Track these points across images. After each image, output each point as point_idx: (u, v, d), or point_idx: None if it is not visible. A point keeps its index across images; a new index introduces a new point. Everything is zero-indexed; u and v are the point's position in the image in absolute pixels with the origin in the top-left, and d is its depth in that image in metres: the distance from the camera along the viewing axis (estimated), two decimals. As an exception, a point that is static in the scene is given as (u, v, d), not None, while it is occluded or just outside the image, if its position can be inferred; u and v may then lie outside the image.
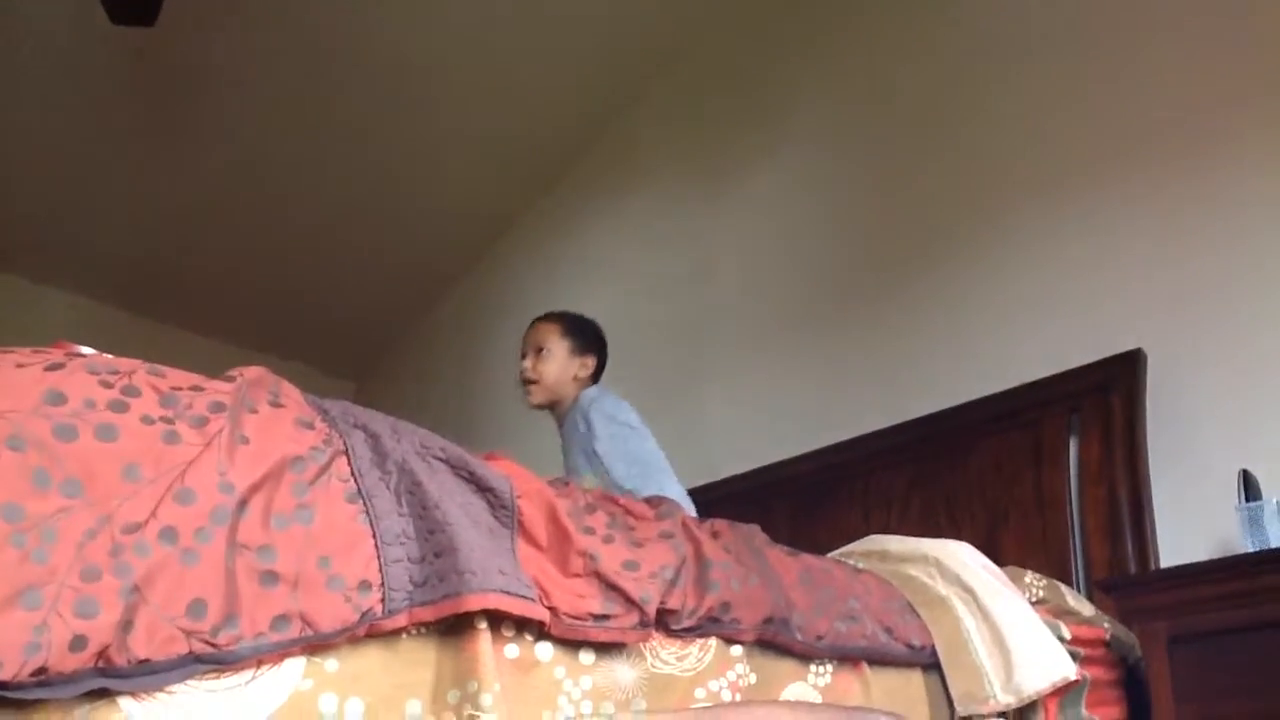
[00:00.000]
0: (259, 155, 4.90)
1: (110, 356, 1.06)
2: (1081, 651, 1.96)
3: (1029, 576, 2.08)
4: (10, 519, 0.84)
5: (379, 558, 1.07)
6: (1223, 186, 2.60)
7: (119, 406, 0.97)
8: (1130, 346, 2.62)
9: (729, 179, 4.18)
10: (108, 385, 0.98)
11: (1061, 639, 1.93)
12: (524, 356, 2.65)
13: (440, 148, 4.97)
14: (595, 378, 2.70)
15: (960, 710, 1.70)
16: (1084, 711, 1.93)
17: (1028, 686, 1.70)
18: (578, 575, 1.25)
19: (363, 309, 6.03)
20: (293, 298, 5.83)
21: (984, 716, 1.72)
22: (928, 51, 3.48)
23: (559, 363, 2.61)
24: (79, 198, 4.94)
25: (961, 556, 2.00)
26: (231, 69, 4.46)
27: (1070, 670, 1.75)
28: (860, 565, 1.96)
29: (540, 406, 2.64)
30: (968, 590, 1.87)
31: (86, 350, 1.07)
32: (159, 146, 4.74)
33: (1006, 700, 1.69)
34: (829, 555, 2.09)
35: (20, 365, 0.95)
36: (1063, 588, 2.12)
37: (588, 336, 2.69)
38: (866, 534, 2.79)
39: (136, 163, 4.80)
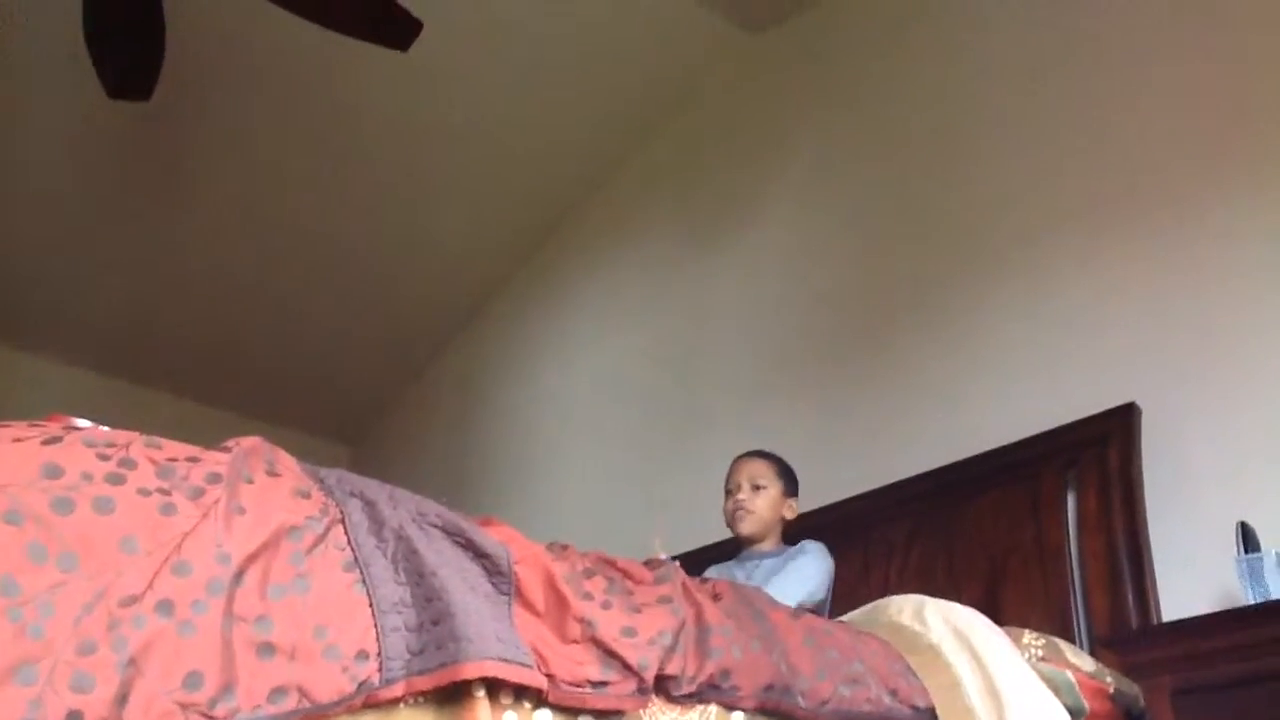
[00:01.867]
0: (252, 223, 4.92)
1: (107, 429, 1.06)
2: (1089, 707, 1.94)
3: (1027, 636, 2.06)
4: (7, 593, 0.84)
5: (376, 626, 1.07)
6: (1215, 239, 2.62)
7: (116, 479, 0.97)
8: (1124, 400, 2.63)
9: (720, 238, 4.21)
10: (105, 458, 0.99)
11: (1068, 684, 1.93)
12: (734, 489, 2.70)
13: (432, 211, 5.00)
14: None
15: None
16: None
17: None
18: (575, 642, 1.24)
19: (357, 373, 6.03)
20: (288, 363, 5.83)
21: None
22: (916, 108, 3.53)
23: (772, 500, 2.69)
24: (72, 267, 4.95)
25: (959, 610, 2.00)
26: (224, 141, 4.51)
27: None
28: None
29: (749, 539, 2.68)
30: (962, 638, 1.87)
31: (83, 423, 1.08)
32: (152, 216, 4.77)
33: None
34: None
35: (17, 440, 0.96)
36: (1061, 644, 2.10)
37: (794, 480, 2.77)
38: (866, 587, 2.78)
39: (129, 232, 4.82)
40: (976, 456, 2.89)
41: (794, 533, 2.79)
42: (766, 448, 2.84)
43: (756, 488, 2.68)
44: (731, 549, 2.82)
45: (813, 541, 2.66)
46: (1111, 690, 2.07)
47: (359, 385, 6.15)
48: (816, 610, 2.49)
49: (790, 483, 2.75)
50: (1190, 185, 2.70)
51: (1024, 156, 3.12)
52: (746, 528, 2.68)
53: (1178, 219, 2.70)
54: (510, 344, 5.35)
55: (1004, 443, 2.84)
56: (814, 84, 4.01)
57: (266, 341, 5.65)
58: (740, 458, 2.78)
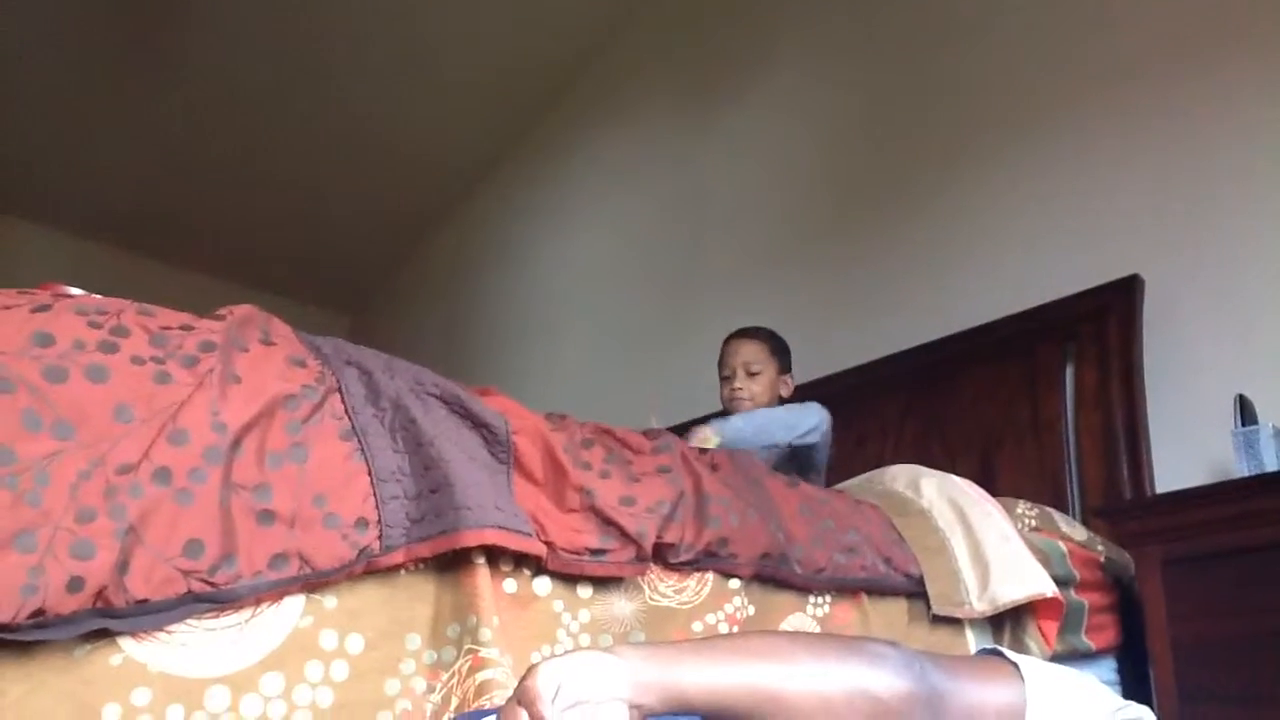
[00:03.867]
0: (250, 90, 4.83)
1: (99, 297, 1.04)
2: (1078, 575, 1.97)
3: (1021, 507, 2.09)
4: (2, 462, 0.84)
5: (375, 495, 1.07)
6: (1219, 111, 2.57)
7: (109, 347, 0.96)
8: (1127, 272, 2.61)
9: (719, 108, 4.14)
10: (96, 326, 0.97)
11: (1059, 553, 1.96)
12: (729, 374, 2.65)
13: (431, 81, 4.90)
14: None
15: (935, 609, 1.71)
16: (1084, 637, 1.95)
17: (1003, 596, 1.72)
18: (574, 510, 1.25)
19: (356, 243, 6.00)
20: (286, 232, 5.79)
21: (959, 621, 1.75)
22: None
23: (768, 382, 2.63)
24: (65, 136, 4.87)
25: (953, 479, 2.01)
26: (220, 10, 4.39)
27: (1048, 588, 1.76)
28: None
29: None
30: (955, 506, 1.89)
31: (75, 291, 1.06)
32: (147, 83, 4.67)
33: (981, 608, 1.71)
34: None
35: (7, 307, 0.94)
36: (1055, 514, 2.13)
37: (788, 355, 2.71)
38: (861, 461, 2.80)
39: (123, 100, 4.73)
40: (975, 329, 2.89)
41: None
42: (760, 322, 2.81)
43: (751, 374, 2.65)
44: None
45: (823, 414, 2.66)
46: (1102, 559, 2.10)
47: (358, 255, 6.12)
48: (812, 454, 2.50)
49: (784, 358, 2.71)
50: (1192, 57, 2.64)
51: (1028, 28, 3.04)
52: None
53: (1182, 93, 2.65)
54: (508, 216, 5.31)
55: (1003, 315, 2.84)
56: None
57: (264, 210, 5.61)
58: (731, 339, 2.72)
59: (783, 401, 2.73)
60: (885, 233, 3.32)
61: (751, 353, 2.65)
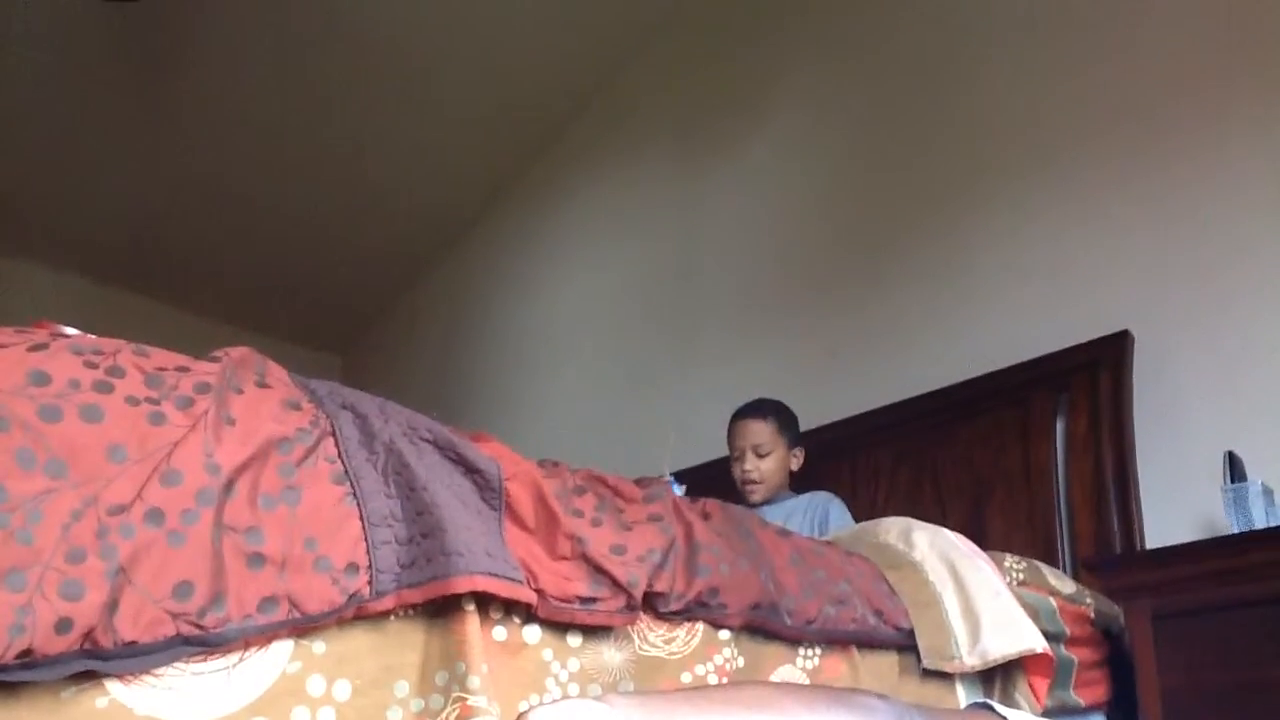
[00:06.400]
0: (244, 130, 4.86)
1: (94, 337, 1.04)
2: (1068, 631, 1.97)
3: (1009, 560, 2.09)
4: (-6, 499, 0.83)
5: (366, 539, 1.06)
6: (1212, 169, 2.60)
7: (104, 387, 0.96)
8: (1118, 328, 2.63)
9: (717, 152, 4.17)
10: (92, 366, 0.97)
11: (1049, 609, 1.95)
12: (739, 455, 2.68)
13: (425, 123, 4.94)
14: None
15: (926, 663, 1.70)
16: (1073, 694, 1.95)
17: (993, 651, 1.72)
18: (565, 558, 1.24)
19: (348, 283, 6.00)
20: (278, 273, 5.80)
21: (950, 676, 1.75)
22: (919, 23, 3.47)
23: (779, 460, 2.69)
24: (61, 174, 4.89)
25: (945, 533, 2.01)
26: (216, 44, 4.42)
27: (1038, 644, 1.76)
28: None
29: (760, 504, 2.67)
30: (947, 560, 1.88)
31: (70, 330, 1.06)
32: (143, 122, 4.70)
33: (972, 663, 1.71)
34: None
35: (3, 346, 0.94)
36: (1043, 567, 2.13)
37: (796, 428, 2.76)
38: (854, 508, 2.81)
39: (120, 139, 4.75)
40: (969, 380, 2.90)
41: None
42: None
43: (761, 455, 2.67)
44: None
45: (825, 495, 2.68)
46: (1092, 614, 2.10)
47: (351, 296, 6.13)
48: None
49: (792, 432, 2.73)
50: (1187, 114, 2.68)
51: (1023, 82, 3.09)
52: (758, 496, 2.67)
53: (1176, 149, 2.68)
54: (502, 258, 5.32)
55: (995, 368, 2.85)
56: (812, 3, 3.93)
57: (259, 251, 5.62)
58: (737, 419, 2.74)
59: (793, 475, 2.73)
60: (881, 282, 3.34)
61: (759, 434, 2.68)
